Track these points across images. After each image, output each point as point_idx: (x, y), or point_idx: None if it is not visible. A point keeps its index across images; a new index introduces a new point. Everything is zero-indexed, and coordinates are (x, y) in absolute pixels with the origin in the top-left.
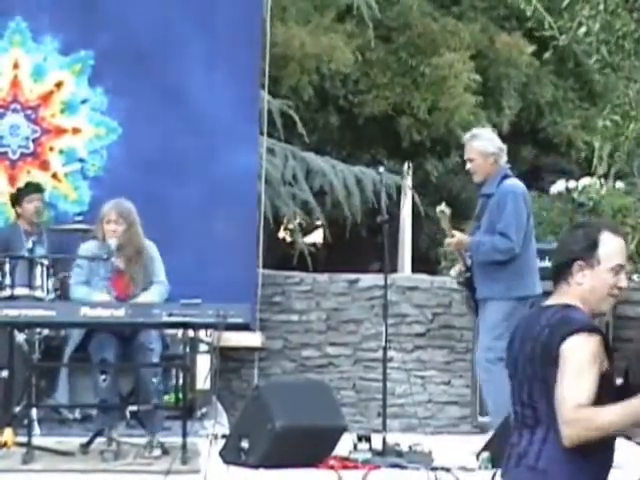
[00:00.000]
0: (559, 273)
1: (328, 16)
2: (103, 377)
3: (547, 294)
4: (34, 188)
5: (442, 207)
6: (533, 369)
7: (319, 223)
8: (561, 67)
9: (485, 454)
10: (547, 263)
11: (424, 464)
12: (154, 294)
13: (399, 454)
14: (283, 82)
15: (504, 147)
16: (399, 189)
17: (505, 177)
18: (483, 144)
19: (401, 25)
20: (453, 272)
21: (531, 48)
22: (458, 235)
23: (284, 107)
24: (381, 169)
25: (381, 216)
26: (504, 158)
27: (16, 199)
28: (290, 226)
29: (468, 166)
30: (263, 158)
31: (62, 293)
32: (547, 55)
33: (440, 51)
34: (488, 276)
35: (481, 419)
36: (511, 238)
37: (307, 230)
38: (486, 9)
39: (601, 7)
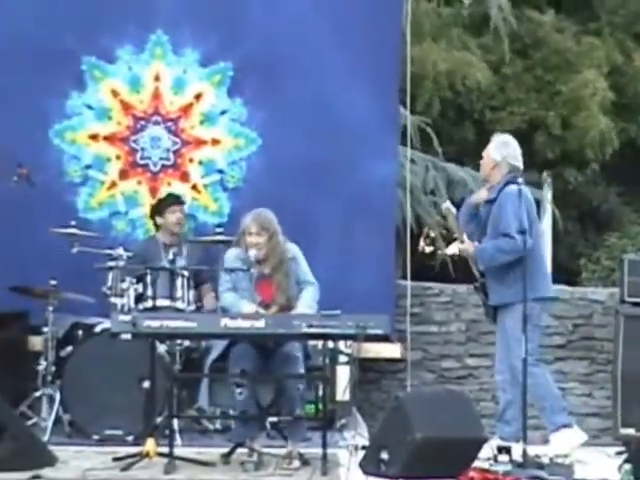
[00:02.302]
0: None
1: (462, 30)
2: (239, 390)
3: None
4: (176, 199)
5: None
6: None
7: None
8: None
9: (627, 466)
10: None
11: (565, 476)
12: (309, 303)
13: (540, 466)
14: (418, 99)
15: (513, 163)
16: (538, 202)
17: (510, 183)
18: (494, 148)
19: (535, 40)
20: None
21: None
22: (467, 243)
23: (421, 123)
24: (519, 180)
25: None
26: (504, 170)
27: (157, 210)
28: (432, 234)
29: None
30: (406, 168)
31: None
32: None
33: (576, 68)
34: (499, 282)
35: (623, 431)
36: (513, 237)
37: (447, 241)
38: (623, 25)
39: None
